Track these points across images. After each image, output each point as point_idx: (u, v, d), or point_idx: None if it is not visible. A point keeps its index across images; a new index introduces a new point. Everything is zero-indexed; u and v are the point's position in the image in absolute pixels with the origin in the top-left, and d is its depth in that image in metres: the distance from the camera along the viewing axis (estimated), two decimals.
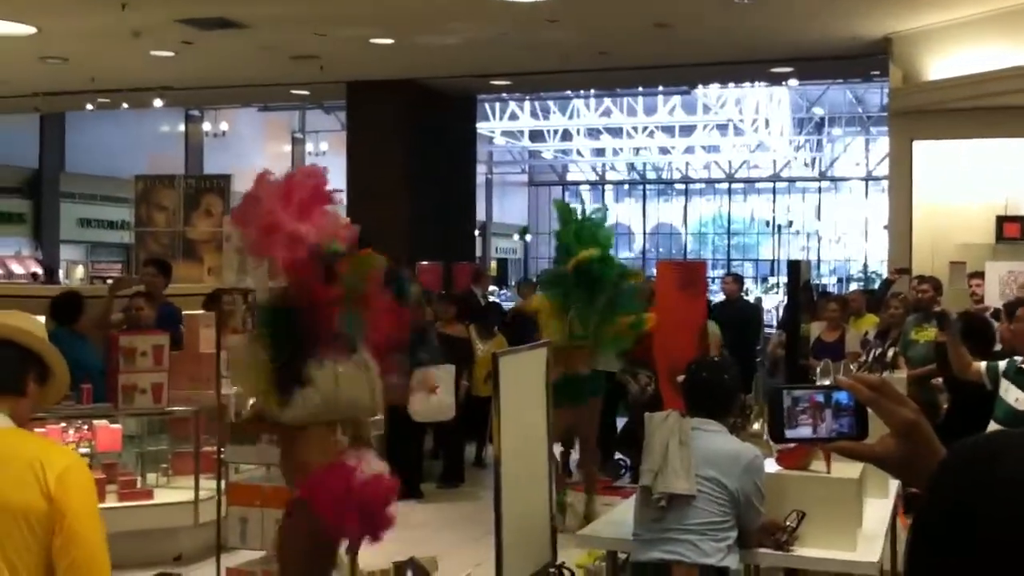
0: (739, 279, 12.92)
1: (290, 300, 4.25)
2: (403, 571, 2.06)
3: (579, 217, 8.22)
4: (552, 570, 5.51)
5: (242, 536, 5.25)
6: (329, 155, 29.63)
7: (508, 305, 15.03)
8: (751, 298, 18.18)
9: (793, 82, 22.66)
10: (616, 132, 33.39)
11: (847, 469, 4.64)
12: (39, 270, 22.74)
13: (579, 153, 36.03)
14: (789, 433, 1.55)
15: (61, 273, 24.72)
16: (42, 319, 3.48)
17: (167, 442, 7.78)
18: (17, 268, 23.31)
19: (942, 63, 12.39)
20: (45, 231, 25.58)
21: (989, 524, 0.97)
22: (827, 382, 2.53)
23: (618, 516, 5.05)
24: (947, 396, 7.67)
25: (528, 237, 34.23)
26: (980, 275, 9.50)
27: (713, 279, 24.51)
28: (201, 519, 7.01)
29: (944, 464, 1.08)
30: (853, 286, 24.45)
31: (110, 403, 7.10)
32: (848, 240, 34.75)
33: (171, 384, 7.25)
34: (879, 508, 5.06)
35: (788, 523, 4.37)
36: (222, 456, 5.61)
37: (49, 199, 25.49)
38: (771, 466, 4.62)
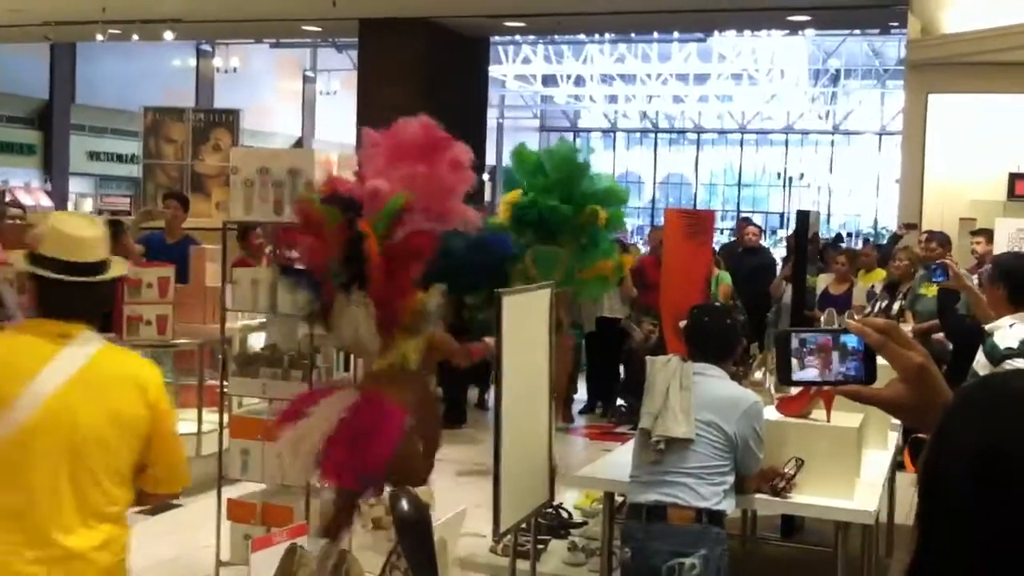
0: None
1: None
2: (399, 499, 2.08)
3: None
4: (549, 511, 5.55)
5: (243, 468, 5.28)
6: (340, 94, 29.47)
7: None
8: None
9: (810, 32, 22.40)
10: (629, 79, 33.11)
11: (847, 418, 4.64)
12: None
13: (591, 99, 35.77)
14: (796, 376, 1.55)
15: (70, 205, 24.73)
16: None
17: (171, 374, 7.81)
18: (26, 199, 23.30)
19: (962, 16, 12.22)
20: (55, 163, 25.55)
21: (1018, 463, 0.97)
22: None
23: (617, 459, 5.07)
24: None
25: None
26: (982, 232, 9.42)
27: (722, 230, 24.42)
28: (203, 451, 7.06)
29: (958, 406, 1.06)
30: (861, 241, 24.34)
31: (114, 333, 7.12)
32: (859, 194, 34.56)
33: (176, 317, 7.27)
34: (878, 458, 5.07)
35: (787, 470, 4.38)
36: (225, 389, 5.62)
37: (59, 131, 25.42)
38: (771, 413, 4.63)
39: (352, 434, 3.94)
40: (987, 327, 4.71)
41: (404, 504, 2.19)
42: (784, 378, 1.56)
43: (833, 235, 23.84)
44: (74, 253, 2.73)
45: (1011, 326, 4.54)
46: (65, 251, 2.73)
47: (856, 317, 6.86)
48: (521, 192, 7.63)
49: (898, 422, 5.66)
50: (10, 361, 2.64)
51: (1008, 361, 4.42)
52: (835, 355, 1.52)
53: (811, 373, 1.54)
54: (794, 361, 1.53)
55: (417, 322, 4.30)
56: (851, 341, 1.51)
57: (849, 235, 30.56)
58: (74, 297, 2.74)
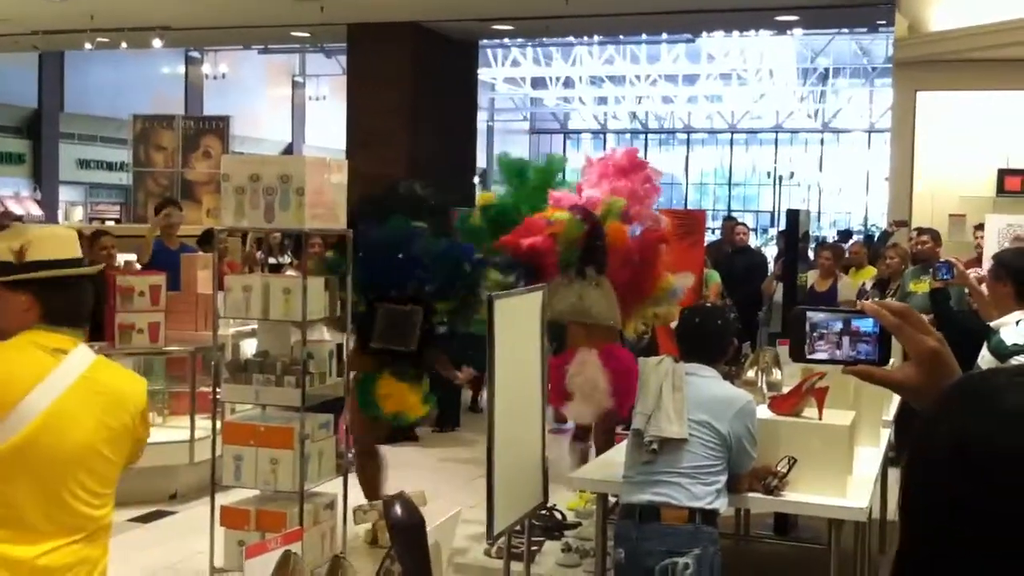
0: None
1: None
2: (392, 503, 2.09)
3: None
4: (543, 512, 5.56)
5: (236, 474, 5.28)
6: (329, 100, 29.47)
7: None
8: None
9: (798, 31, 22.45)
10: (619, 80, 33.16)
11: (839, 416, 4.66)
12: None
13: (581, 101, 35.82)
14: (809, 355, 1.58)
15: (60, 214, 24.69)
16: None
17: (163, 382, 7.81)
18: (16, 209, 23.25)
19: (949, 13, 12.26)
20: (44, 172, 25.49)
21: (989, 455, 0.99)
22: None
23: (609, 459, 5.09)
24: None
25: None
26: (983, 227, 9.46)
27: (712, 230, 24.48)
28: (196, 458, 7.06)
29: (945, 396, 1.09)
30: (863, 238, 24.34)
31: (107, 342, 7.12)
32: (849, 192, 34.66)
33: (168, 324, 7.27)
34: (870, 456, 5.09)
35: (779, 468, 4.39)
36: (218, 396, 5.62)
37: (48, 139, 25.37)
38: (763, 412, 4.64)
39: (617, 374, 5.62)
40: (993, 324, 4.69)
41: (397, 509, 2.20)
42: (797, 356, 1.59)
43: (838, 232, 23.85)
44: (66, 251, 2.80)
45: (1018, 323, 4.53)
46: (52, 251, 2.76)
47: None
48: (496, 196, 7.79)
49: (890, 418, 5.69)
50: (5, 375, 2.63)
51: (1015, 357, 4.41)
52: (845, 338, 1.55)
53: (821, 355, 1.57)
54: (808, 341, 1.56)
55: (663, 297, 6.20)
56: (863, 324, 1.53)
57: (839, 233, 30.69)
58: (74, 295, 2.77)
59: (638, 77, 32.32)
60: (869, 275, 9.60)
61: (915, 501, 1.05)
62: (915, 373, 1.45)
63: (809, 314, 1.57)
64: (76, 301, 2.78)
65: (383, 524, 6.91)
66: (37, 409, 2.60)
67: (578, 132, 38.60)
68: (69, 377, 2.67)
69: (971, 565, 0.99)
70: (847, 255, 10.66)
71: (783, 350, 5.73)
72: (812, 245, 11.81)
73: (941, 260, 6.97)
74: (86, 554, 2.70)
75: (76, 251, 2.84)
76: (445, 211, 6.75)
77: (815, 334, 1.56)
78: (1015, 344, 4.45)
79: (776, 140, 35.22)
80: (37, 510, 2.62)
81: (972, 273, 6.14)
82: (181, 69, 28.19)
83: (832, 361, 1.59)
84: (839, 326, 1.55)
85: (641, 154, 7.01)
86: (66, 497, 2.65)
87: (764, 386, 5.27)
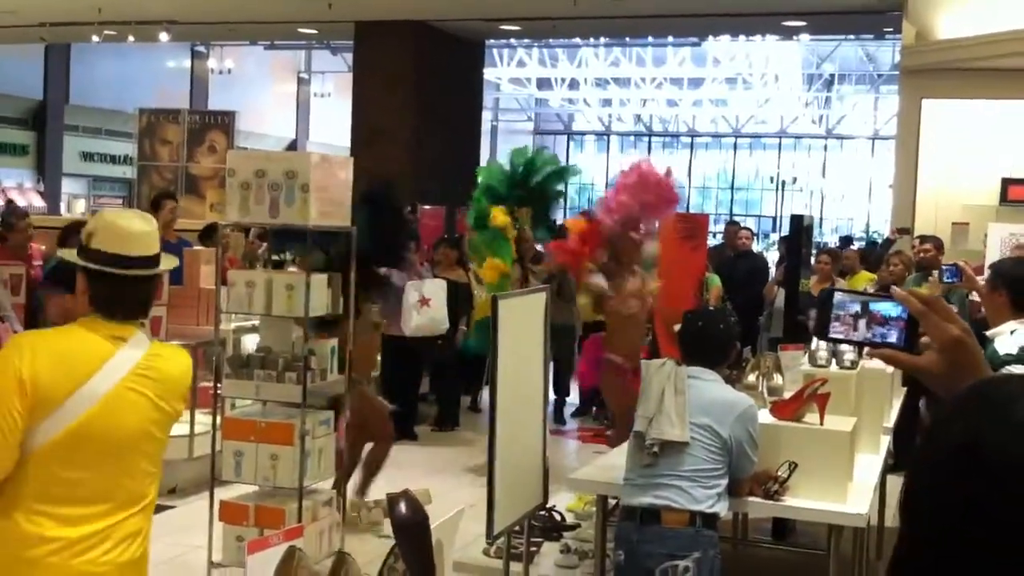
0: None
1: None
2: (397, 502, 2.10)
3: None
4: (543, 513, 5.55)
5: (236, 470, 5.28)
6: (334, 97, 29.47)
7: None
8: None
9: (804, 37, 22.47)
10: (624, 83, 33.14)
11: (840, 422, 4.66)
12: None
13: (586, 103, 35.80)
14: (833, 334, 1.61)
15: (63, 207, 24.69)
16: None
17: None
18: (19, 200, 23.25)
19: (957, 22, 12.26)
20: (48, 163, 25.50)
21: (1003, 463, 1.00)
22: None
23: (610, 461, 5.08)
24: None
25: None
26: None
27: (714, 234, 24.49)
28: (196, 453, 7.07)
29: (958, 400, 1.10)
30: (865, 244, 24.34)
31: None
32: (851, 199, 34.65)
33: (170, 318, 7.27)
34: (870, 462, 5.09)
35: (779, 473, 4.39)
36: (219, 391, 5.62)
37: (53, 131, 25.38)
38: (765, 416, 4.64)
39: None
40: (988, 333, 4.69)
41: (402, 506, 2.20)
42: (822, 334, 1.62)
43: (839, 238, 23.84)
44: (129, 247, 2.76)
45: (1012, 332, 4.53)
46: (120, 245, 2.75)
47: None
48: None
49: (890, 425, 5.69)
50: (66, 361, 2.66)
51: (1007, 367, 4.40)
52: (862, 321, 1.57)
53: (839, 333, 1.60)
54: (833, 321, 1.58)
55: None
56: (887, 308, 1.55)
57: (841, 240, 30.65)
58: (127, 292, 2.76)
59: (643, 80, 32.31)
60: (864, 281, 9.61)
61: (921, 502, 1.06)
62: (937, 360, 1.48)
63: (835, 294, 1.59)
64: (127, 298, 2.77)
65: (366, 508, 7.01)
66: (98, 394, 2.65)
67: (582, 134, 38.58)
68: (128, 363, 2.72)
69: (978, 568, 0.99)
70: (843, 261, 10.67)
71: (784, 355, 5.75)
72: (814, 251, 11.81)
73: (948, 263, 6.96)
74: (140, 526, 2.81)
75: (141, 248, 2.77)
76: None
77: (832, 314, 1.58)
78: (1007, 354, 4.45)
79: (780, 145, 35.18)
80: (97, 490, 2.70)
81: (979, 279, 6.14)
82: (187, 63, 28.20)
83: (847, 341, 1.62)
84: (856, 308, 1.57)
85: (644, 157, 7.40)
86: (122, 479, 2.74)
87: (765, 391, 5.27)
